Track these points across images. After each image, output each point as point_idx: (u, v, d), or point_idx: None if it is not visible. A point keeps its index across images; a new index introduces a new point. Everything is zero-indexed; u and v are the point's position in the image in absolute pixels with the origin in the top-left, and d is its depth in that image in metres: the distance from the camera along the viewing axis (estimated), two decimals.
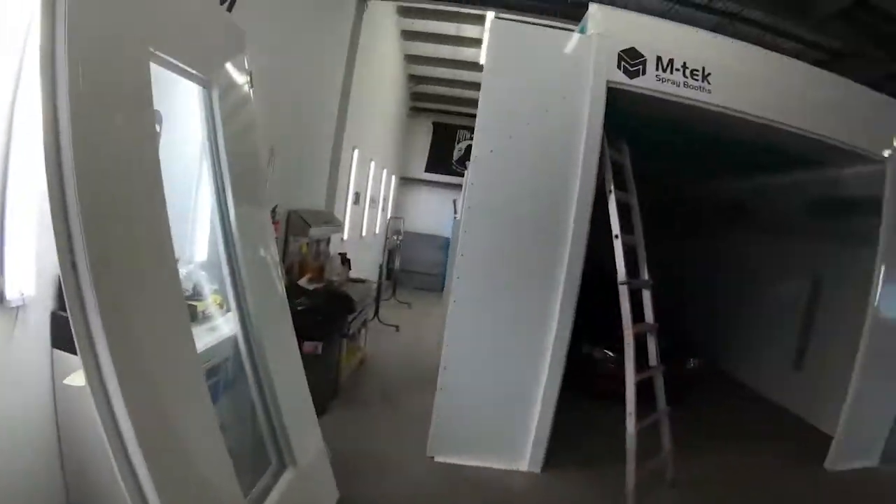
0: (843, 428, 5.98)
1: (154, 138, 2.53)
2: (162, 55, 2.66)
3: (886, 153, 5.86)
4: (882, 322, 5.92)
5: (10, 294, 2.44)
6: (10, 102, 2.40)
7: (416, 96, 17.99)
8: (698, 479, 5.35)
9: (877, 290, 5.89)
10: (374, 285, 9.52)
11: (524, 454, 5.05)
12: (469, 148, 17.93)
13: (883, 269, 5.88)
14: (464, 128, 17.84)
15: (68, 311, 1.96)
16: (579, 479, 5.12)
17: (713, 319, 10.36)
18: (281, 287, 3.98)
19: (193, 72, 3.04)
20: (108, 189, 2.19)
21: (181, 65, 2.91)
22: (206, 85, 3.25)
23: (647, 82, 5.04)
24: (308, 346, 4.95)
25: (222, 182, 3.44)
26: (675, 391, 5.39)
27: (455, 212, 7.31)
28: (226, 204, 3.45)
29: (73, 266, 1.95)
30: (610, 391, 6.40)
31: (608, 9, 5.60)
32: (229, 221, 3.43)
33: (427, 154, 18.36)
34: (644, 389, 4.87)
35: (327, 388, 5.67)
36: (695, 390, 7.41)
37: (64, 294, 1.97)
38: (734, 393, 8.76)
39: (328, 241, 8.27)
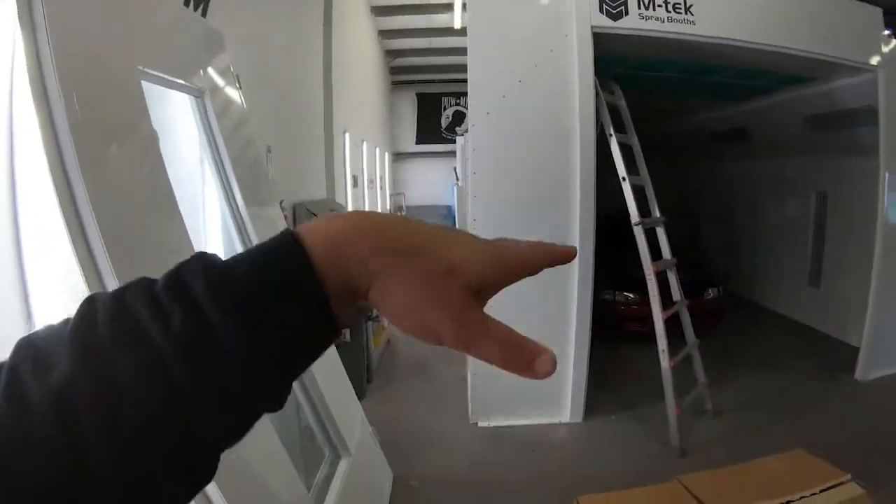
0: (868, 338, 5.97)
1: (160, 159, 2.47)
2: (151, 72, 2.59)
3: (875, 61, 5.75)
4: (892, 228, 5.90)
5: None
6: (9, 146, 2.35)
7: (395, 70, 17.77)
8: (736, 405, 5.38)
9: (883, 198, 5.84)
10: None
11: (565, 406, 5.06)
12: (456, 114, 17.95)
13: (887, 176, 5.82)
14: (448, 94, 17.67)
15: None
16: (622, 423, 5.14)
17: (727, 246, 10.39)
18: None
19: (184, 83, 2.97)
20: (127, 219, 2.14)
21: (171, 78, 2.83)
22: (198, 94, 3.17)
23: (631, 22, 4.93)
24: None
25: (230, 187, 3.39)
26: (698, 323, 5.37)
27: (456, 179, 7.26)
28: (237, 208, 3.41)
29: None
30: (635, 332, 6.43)
31: None
32: (244, 225, 3.39)
33: (415, 126, 18.18)
34: (670, 325, 4.86)
35: (361, 373, 5.67)
36: (717, 319, 7.39)
37: None
38: (756, 317, 8.75)
39: None
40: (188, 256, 0.40)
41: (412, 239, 0.45)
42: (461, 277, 0.44)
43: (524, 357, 0.44)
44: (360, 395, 4.99)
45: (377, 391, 5.84)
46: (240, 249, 3.39)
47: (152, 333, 0.36)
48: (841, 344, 7.10)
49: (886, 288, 5.86)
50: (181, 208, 2.56)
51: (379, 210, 13.02)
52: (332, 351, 3.82)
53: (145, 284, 0.40)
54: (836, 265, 7.74)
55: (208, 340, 0.37)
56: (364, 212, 0.46)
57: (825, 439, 4.60)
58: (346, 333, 5.24)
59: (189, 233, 2.55)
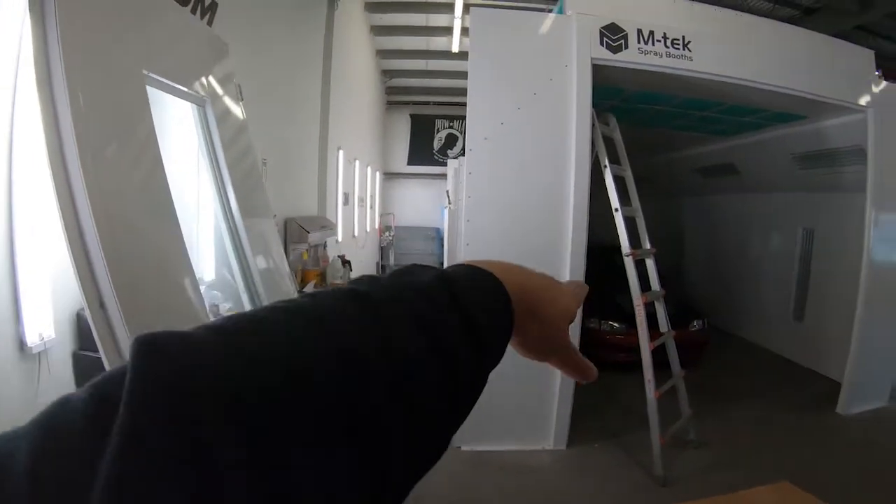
0: (851, 373, 6.04)
1: (160, 162, 2.43)
2: (157, 77, 2.57)
3: (865, 101, 5.87)
4: (877, 265, 5.98)
5: (31, 340, 2.35)
6: (8, 142, 2.30)
7: (391, 90, 17.83)
8: (719, 436, 5.38)
9: (869, 234, 5.93)
10: None
11: (548, 433, 5.02)
12: (449, 136, 18.00)
13: (873, 213, 5.92)
14: (442, 117, 17.71)
15: (101, 350, 1.87)
16: (605, 451, 5.09)
17: (713, 279, 10.46)
18: (296, 295, 3.90)
19: (188, 90, 2.95)
20: (124, 221, 2.10)
21: (176, 85, 2.81)
22: (200, 102, 3.15)
23: (630, 56, 4.99)
24: None
25: (226, 197, 3.36)
26: (682, 354, 5.36)
27: (448, 202, 7.30)
28: (232, 218, 3.38)
29: (102, 305, 1.86)
30: (619, 361, 6.42)
31: None
32: (238, 235, 3.36)
33: (408, 147, 18.20)
34: (655, 356, 4.85)
35: None
36: (702, 351, 7.43)
37: (94, 335, 1.87)
38: (739, 350, 8.82)
39: (325, 244, 8.18)
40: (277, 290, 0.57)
41: (541, 294, 0.63)
42: (566, 320, 0.65)
43: (587, 372, 0.71)
44: None
45: None
46: (232, 256, 3.36)
47: (465, 347, 0.48)
48: (823, 378, 7.17)
49: (870, 323, 5.94)
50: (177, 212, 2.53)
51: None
52: None
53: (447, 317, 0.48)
54: (821, 300, 7.83)
55: (487, 346, 0.51)
56: (511, 268, 0.62)
57: (808, 472, 4.61)
58: None
59: (184, 237, 2.51)
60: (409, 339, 0.43)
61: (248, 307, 3.33)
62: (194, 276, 2.51)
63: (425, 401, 0.43)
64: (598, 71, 4.90)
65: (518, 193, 4.90)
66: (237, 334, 0.37)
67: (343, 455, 0.36)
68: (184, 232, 2.88)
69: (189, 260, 2.48)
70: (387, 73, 16.73)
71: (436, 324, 0.46)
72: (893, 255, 6.20)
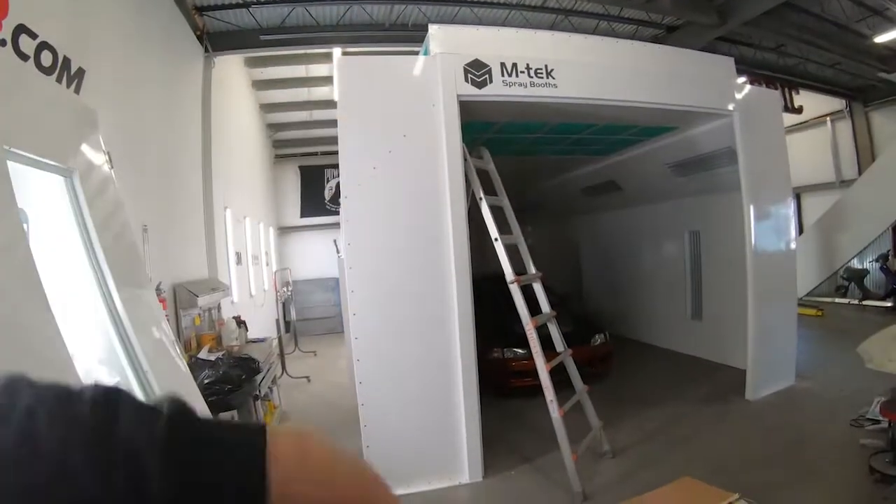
0: (753, 359, 6.58)
1: (24, 239, 2.48)
2: (19, 152, 2.61)
3: (730, 106, 6.54)
4: (760, 254, 6.59)
5: None
6: None
7: (278, 144, 17.83)
8: (634, 442, 5.67)
9: (750, 228, 6.55)
10: (275, 341, 9.37)
11: (462, 467, 5.12)
12: (339, 185, 17.90)
13: (751, 208, 6.56)
14: (330, 166, 17.81)
15: None
16: (522, 477, 5.24)
17: (612, 292, 11.11)
18: (183, 365, 3.92)
19: (53, 163, 2.99)
20: None
21: (40, 158, 2.85)
22: (66, 174, 3.19)
23: (495, 90, 5.32)
24: (223, 416, 4.84)
25: (100, 269, 3.37)
26: (589, 368, 5.54)
27: (338, 251, 7.39)
28: (108, 291, 3.38)
29: None
30: (527, 386, 6.66)
31: (448, 27, 5.89)
32: (116, 308, 3.36)
33: (299, 199, 18.18)
34: (559, 374, 5.09)
35: None
36: (608, 363, 7.84)
37: None
38: (645, 355, 9.37)
39: (219, 307, 8.09)
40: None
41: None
42: None
43: None
44: None
45: None
46: (114, 335, 3.36)
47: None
48: (729, 368, 7.78)
49: (763, 309, 6.51)
50: (56, 288, 2.54)
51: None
52: None
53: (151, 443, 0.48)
54: (715, 295, 8.54)
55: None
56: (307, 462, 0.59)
57: (722, 460, 4.97)
58: (234, 415, 5.15)
59: (61, 316, 2.53)
60: None
61: (132, 379, 3.35)
62: (69, 356, 2.53)
63: None
64: (466, 107, 5.20)
65: (398, 236, 5.04)
66: None
67: None
68: (64, 307, 2.86)
69: (62, 342, 2.48)
70: (272, 127, 16.74)
71: None
72: (773, 243, 6.88)
